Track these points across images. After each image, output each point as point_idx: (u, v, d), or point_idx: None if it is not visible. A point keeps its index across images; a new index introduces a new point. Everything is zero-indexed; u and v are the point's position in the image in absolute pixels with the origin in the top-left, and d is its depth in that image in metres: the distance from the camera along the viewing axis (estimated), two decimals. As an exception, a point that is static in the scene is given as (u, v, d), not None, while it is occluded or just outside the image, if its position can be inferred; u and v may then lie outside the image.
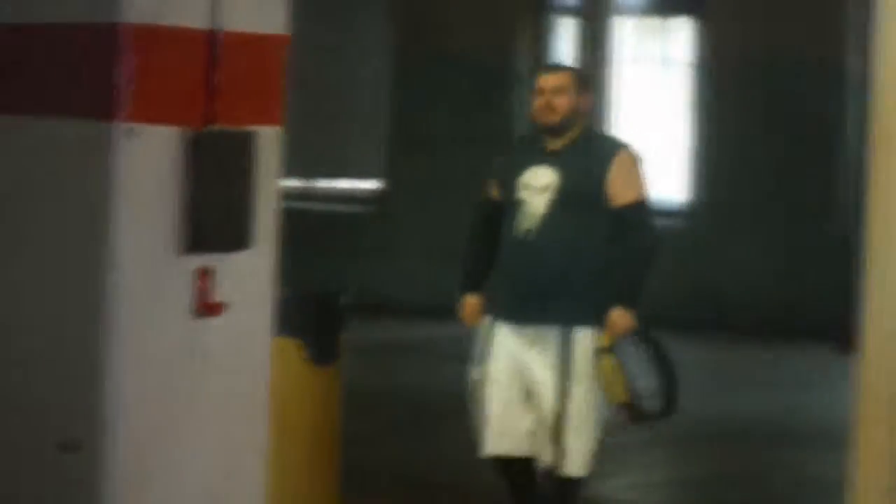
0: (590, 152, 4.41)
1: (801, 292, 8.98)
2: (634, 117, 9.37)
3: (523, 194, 4.27)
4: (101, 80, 1.71)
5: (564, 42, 9.85)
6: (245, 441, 1.95)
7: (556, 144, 4.27)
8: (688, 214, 9.46)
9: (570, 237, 4.26)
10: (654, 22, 9.72)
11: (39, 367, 1.83)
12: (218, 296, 1.80)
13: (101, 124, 1.69)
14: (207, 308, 1.79)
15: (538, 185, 4.26)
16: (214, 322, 1.82)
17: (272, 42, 1.99)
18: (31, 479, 1.86)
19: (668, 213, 9.13)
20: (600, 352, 4.20)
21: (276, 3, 2.00)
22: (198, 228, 1.74)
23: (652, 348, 4.31)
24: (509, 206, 4.28)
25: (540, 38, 9.83)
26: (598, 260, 4.26)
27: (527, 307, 4.17)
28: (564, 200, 4.22)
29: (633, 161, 4.37)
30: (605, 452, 7.87)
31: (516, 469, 4.22)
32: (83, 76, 1.75)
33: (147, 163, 1.75)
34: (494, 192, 4.27)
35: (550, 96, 4.20)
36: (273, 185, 1.84)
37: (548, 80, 4.38)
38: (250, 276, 1.89)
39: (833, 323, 7.25)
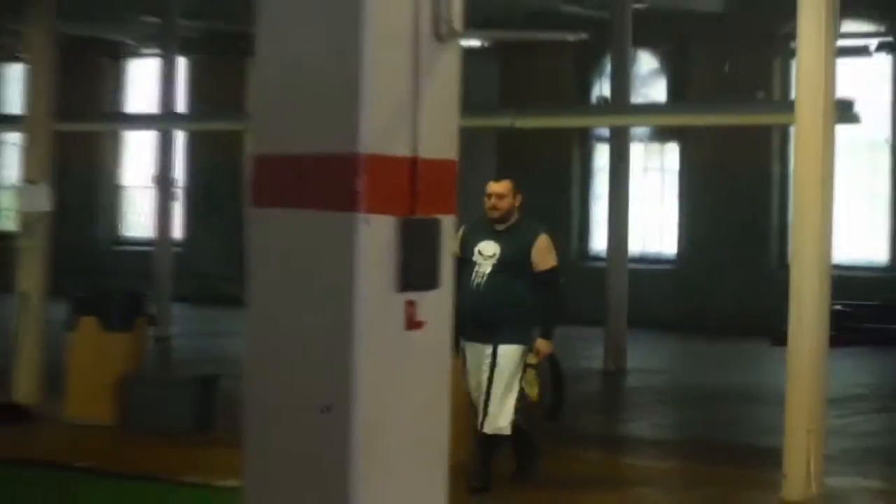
0: (522, 234, 6.48)
1: (752, 306, 14.20)
2: (643, 203, 15.33)
3: (477, 258, 6.32)
4: (347, 186, 2.61)
5: (598, 157, 16.35)
6: (436, 407, 2.87)
7: (500, 227, 6.44)
8: (679, 260, 15.91)
9: (505, 289, 6.27)
10: (655, 145, 16.41)
11: (313, 360, 2.71)
12: (419, 317, 2.71)
13: (348, 214, 2.60)
14: (413, 324, 2.71)
15: (487, 254, 6.32)
16: (417, 333, 2.73)
17: (449, 164, 2.91)
18: (301, 433, 2.73)
19: (665, 261, 16.15)
20: (528, 366, 6.24)
21: (451, 139, 2.91)
22: (406, 276, 2.66)
23: (555, 365, 6.45)
24: (466, 263, 6.20)
25: (584, 156, 16.81)
26: (523, 305, 6.28)
27: (479, 332, 6.18)
28: (504, 265, 6.31)
29: (549, 241, 6.46)
30: (632, 407, 11.09)
31: (482, 438, 6.31)
32: (337, 184, 2.64)
33: (377, 237, 2.64)
34: (456, 251, 5.58)
35: (496, 199, 6.41)
36: (451, 249, 2.88)
37: (494, 188, 6.50)
38: (438, 305, 2.82)
39: (771, 326, 10.65)
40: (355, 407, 2.61)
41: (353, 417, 2.63)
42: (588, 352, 11.79)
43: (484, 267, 6.23)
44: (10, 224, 14.61)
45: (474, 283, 6.38)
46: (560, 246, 7.02)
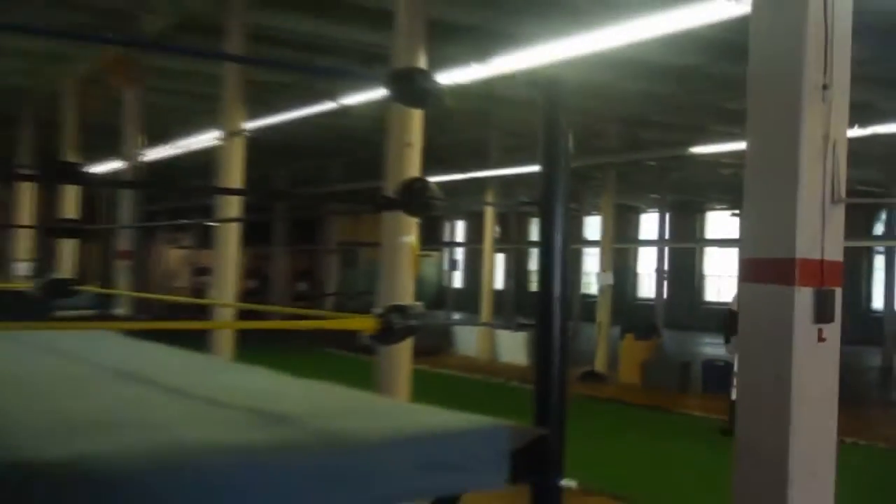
0: None
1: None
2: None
3: None
4: (790, 273, 4.82)
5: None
6: (833, 383, 4.73)
7: None
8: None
9: None
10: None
11: (774, 359, 4.70)
12: (825, 336, 4.41)
13: (790, 287, 4.65)
14: (821, 339, 4.40)
15: None
16: (824, 344, 4.41)
17: (838, 263, 4.42)
18: (765, 396, 4.87)
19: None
20: None
21: (839, 243, 4.45)
22: (818, 315, 4.61)
23: None
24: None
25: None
26: None
27: None
28: None
29: None
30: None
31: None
32: (785, 272, 4.92)
33: (803, 297, 4.40)
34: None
35: None
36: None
37: None
38: (833, 329, 4.51)
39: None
40: (794, 380, 4.34)
41: (793, 386, 4.30)
42: None
43: None
44: (592, 290, 24.72)
45: None
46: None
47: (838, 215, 4.58)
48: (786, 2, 4.56)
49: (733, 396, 9.85)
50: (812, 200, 4.42)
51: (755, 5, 4.79)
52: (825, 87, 4.53)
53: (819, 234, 4.48)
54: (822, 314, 4.51)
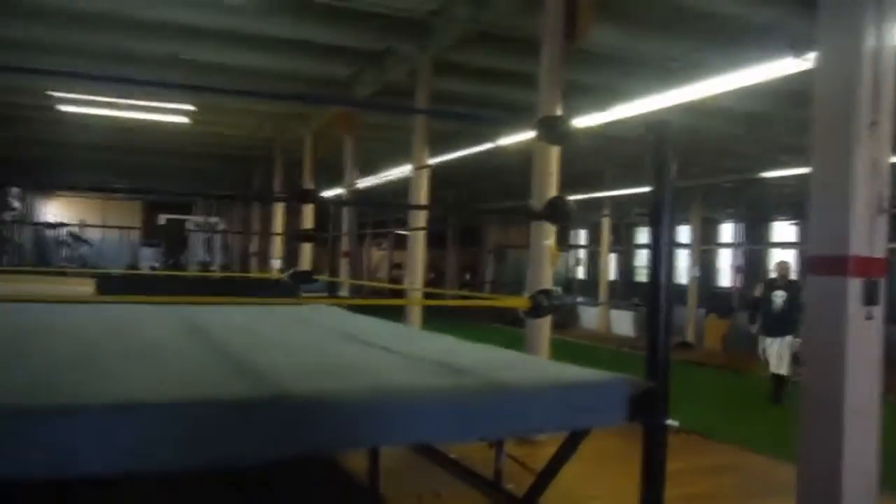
0: (794, 288, 9.39)
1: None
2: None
3: (774, 296, 9.37)
4: (843, 267, 4.34)
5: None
6: (875, 357, 4.32)
7: (783, 283, 9.62)
8: None
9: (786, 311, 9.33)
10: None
11: (827, 340, 4.51)
12: (872, 315, 4.16)
13: (843, 278, 4.23)
14: (869, 318, 4.23)
15: (779, 294, 9.37)
16: (870, 321, 4.15)
17: (881, 260, 4.15)
18: (826, 359, 4.89)
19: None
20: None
21: (883, 244, 4.16)
22: (866, 299, 4.47)
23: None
24: (767, 298, 9.35)
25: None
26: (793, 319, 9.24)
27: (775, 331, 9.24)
28: (785, 301, 9.61)
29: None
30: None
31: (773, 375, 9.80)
32: (839, 266, 4.60)
33: (854, 286, 4.29)
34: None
35: (783, 271, 9.88)
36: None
37: (783, 264, 9.75)
38: (877, 311, 4.31)
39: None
40: (847, 348, 4.11)
41: (847, 353, 4.09)
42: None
43: (777, 300, 9.30)
44: (682, 280, 22.68)
45: (774, 307, 9.31)
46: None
47: (882, 223, 4.38)
48: (843, 57, 4.38)
49: (772, 369, 9.41)
50: (862, 211, 4.25)
51: (818, 61, 4.59)
52: (873, 123, 4.31)
53: (867, 237, 4.28)
54: (870, 298, 4.32)
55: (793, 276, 9.92)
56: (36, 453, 1.80)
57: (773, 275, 9.97)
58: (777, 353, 9.36)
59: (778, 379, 9.39)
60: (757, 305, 9.74)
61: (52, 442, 1.82)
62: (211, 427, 1.99)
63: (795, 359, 9.10)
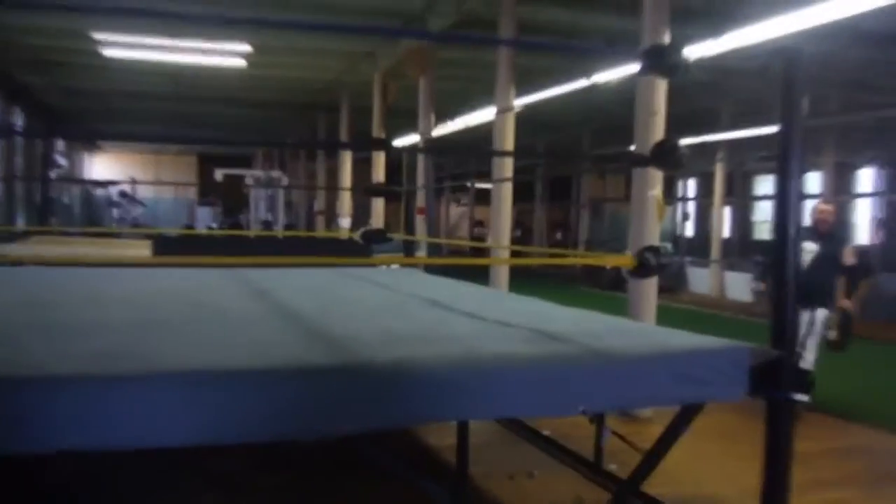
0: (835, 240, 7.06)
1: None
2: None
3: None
4: None
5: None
6: None
7: (822, 232, 7.04)
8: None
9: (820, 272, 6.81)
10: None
11: None
12: None
13: None
14: None
15: (808, 249, 6.92)
16: None
17: None
18: None
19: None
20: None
21: None
22: None
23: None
24: None
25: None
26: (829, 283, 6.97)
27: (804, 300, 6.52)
28: (820, 258, 6.89)
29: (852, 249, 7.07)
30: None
31: None
32: None
33: None
34: None
35: (824, 215, 7.11)
36: None
37: (823, 208, 7.21)
38: None
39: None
40: None
41: None
42: None
43: (806, 256, 6.86)
44: None
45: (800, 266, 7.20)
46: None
47: None
48: None
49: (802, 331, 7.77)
50: None
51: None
52: None
53: None
54: None
55: (835, 225, 7.45)
56: (122, 424, 1.93)
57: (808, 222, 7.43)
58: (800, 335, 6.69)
59: (799, 374, 6.63)
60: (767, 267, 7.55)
61: (136, 412, 1.94)
62: (291, 398, 2.09)
63: (832, 343, 7.06)
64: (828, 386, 7.57)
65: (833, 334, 6.99)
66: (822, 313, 6.99)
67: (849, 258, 7.10)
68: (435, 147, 14.69)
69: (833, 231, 7.24)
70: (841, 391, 8.15)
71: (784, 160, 2.83)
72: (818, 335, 6.94)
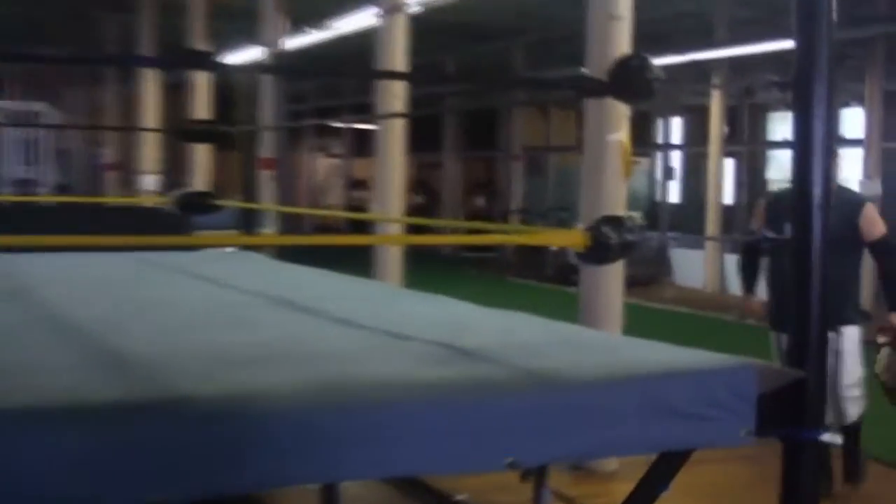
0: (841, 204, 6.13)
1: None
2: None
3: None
4: None
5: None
6: None
7: None
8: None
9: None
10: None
11: None
12: None
13: None
14: None
15: None
16: None
17: None
18: None
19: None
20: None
21: None
22: None
23: None
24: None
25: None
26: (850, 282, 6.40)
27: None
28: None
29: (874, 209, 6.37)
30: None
31: None
32: None
33: None
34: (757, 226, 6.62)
35: None
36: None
37: None
38: None
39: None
40: None
41: None
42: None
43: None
44: None
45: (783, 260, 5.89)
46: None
47: None
48: None
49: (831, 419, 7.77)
50: None
51: None
52: None
53: None
54: None
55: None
56: None
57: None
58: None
59: (847, 435, 6.49)
60: (754, 253, 7.13)
61: None
62: (56, 455, 2.04)
63: (890, 388, 6.54)
64: (870, 420, 7.84)
65: (884, 373, 6.43)
66: (851, 334, 6.45)
67: (874, 228, 6.49)
68: (289, 67, 14.55)
69: (839, 192, 6.43)
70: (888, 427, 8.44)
71: (802, 89, 2.89)
72: (856, 370, 6.49)
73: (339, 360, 2.95)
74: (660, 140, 30.06)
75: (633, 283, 16.95)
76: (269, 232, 7.11)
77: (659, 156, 27.75)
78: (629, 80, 3.46)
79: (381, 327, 3.55)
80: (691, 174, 28.75)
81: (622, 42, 6.86)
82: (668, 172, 26.51)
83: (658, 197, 25.79)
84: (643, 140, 28.59)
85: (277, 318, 3.86)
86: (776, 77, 19.85)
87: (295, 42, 16.29)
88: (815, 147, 2.91)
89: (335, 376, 2.70)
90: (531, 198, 25.59)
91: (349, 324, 3.64)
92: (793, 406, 2.91)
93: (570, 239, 3.36)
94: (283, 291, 4.58)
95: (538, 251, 18.78)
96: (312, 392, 2.49)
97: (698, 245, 20.41)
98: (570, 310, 6.94)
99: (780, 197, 6.76)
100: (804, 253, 2.96)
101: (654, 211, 24.41)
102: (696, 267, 19.99)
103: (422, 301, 4.54)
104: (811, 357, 2.95)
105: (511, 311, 4.00)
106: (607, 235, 3.22)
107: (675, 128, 31.48)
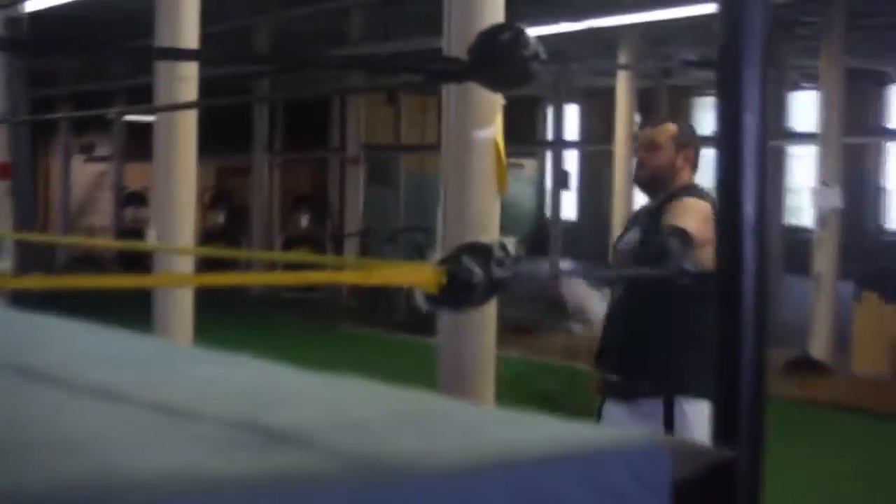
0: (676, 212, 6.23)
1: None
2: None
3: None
4: None
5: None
6: None
7: (651, 203, 6.76)
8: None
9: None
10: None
11: None
12: None
13: None
14: None
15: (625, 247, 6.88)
16: None
17: None
18: None
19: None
20: None
21: None
22: None
23: None
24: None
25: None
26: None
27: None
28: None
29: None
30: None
31: None
32: None
33: None
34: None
35: (644, 153, 6.59)
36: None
37: (645, 134, 6.73)
38: None
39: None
40: None
41: None
42: None
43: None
44: (804, 219, 25.97)
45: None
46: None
47: None
48: None
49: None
50: None
51: None
52: None
53: None
54: None
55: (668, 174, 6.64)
56: None
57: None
58: None
59: None
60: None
61: None
62: None
63: None
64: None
65: None
66: (692, 412, 6.37)
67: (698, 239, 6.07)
68: (28, 39, 14.38)
69: (677, 192, 6.56)
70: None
71: (731, 64, 2.93)
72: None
73: (99, 449, 2.91)
74: (549, 136, 30.30)
75: (516, 330, 17.07)
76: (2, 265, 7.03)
77: (549, 157, 27.97)
78: (497, 59, 3.47)
79: (159, 401, 3.51)
80: (592, 181, 29.08)
81: (493, 6, 6.88)
82: (562, 179, 26.70)
83: (548, 212, 25.99)
84: (526, 136, 28.90)
85: (11, 392, 3.80)
86: (694, 54, 19.98)
87: (39, 2, 16.13)
88: (745, 146, 2.94)
89: (91, 470, 2.67)
90: (375, 215, 25.64)
91: (115, 398, 3.59)
92: (721, 494, 2.96)
93: (417, 275, 3.36)
94: (19, 354, 4.51)
95: (382, 292, 18.82)
96: (61, 495, 2.46)
97: (605, 279, 20.64)
98: (429, 369, 6.96)
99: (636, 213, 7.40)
100: (732, 294, 3.02)
101: (543, 231, 24.63)
102: (600, 306, 20.22)
103: (218, 363, 4.49)
104: (742, 432, 3.01)
105: (342, 376, 4.01)
106: (468, 270, 3.22)
107: (571, 119, 31.79)
